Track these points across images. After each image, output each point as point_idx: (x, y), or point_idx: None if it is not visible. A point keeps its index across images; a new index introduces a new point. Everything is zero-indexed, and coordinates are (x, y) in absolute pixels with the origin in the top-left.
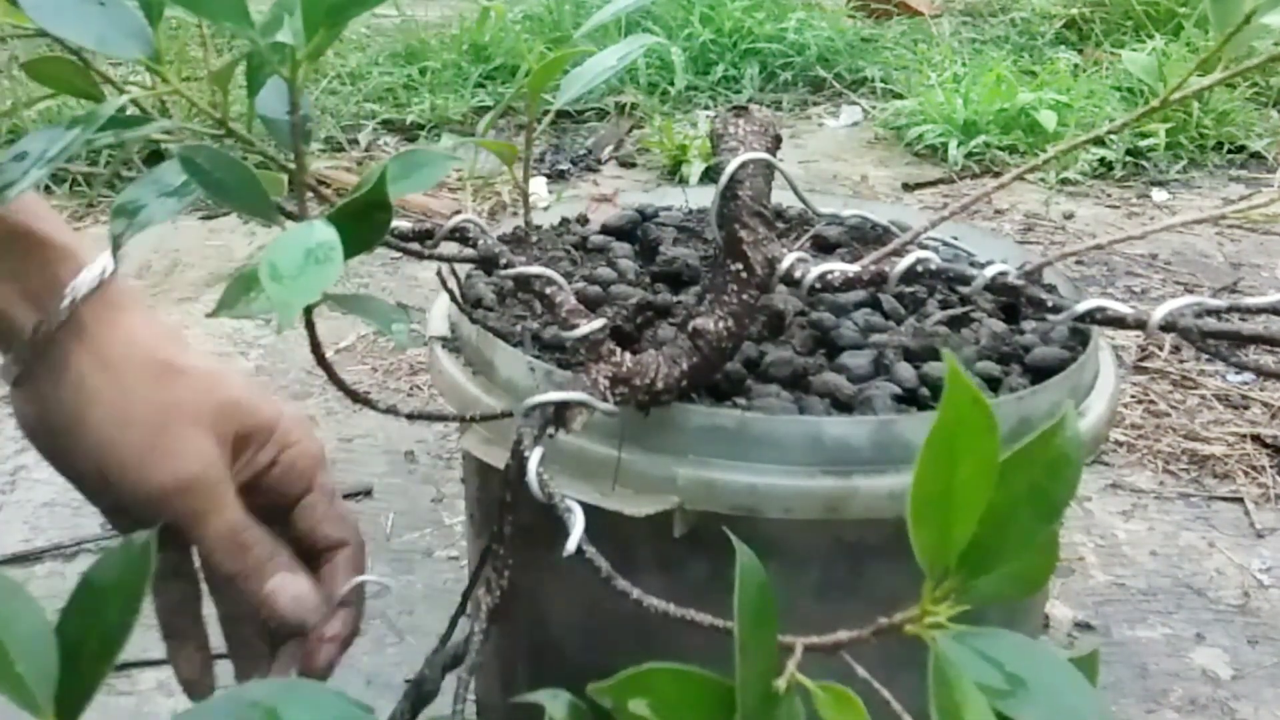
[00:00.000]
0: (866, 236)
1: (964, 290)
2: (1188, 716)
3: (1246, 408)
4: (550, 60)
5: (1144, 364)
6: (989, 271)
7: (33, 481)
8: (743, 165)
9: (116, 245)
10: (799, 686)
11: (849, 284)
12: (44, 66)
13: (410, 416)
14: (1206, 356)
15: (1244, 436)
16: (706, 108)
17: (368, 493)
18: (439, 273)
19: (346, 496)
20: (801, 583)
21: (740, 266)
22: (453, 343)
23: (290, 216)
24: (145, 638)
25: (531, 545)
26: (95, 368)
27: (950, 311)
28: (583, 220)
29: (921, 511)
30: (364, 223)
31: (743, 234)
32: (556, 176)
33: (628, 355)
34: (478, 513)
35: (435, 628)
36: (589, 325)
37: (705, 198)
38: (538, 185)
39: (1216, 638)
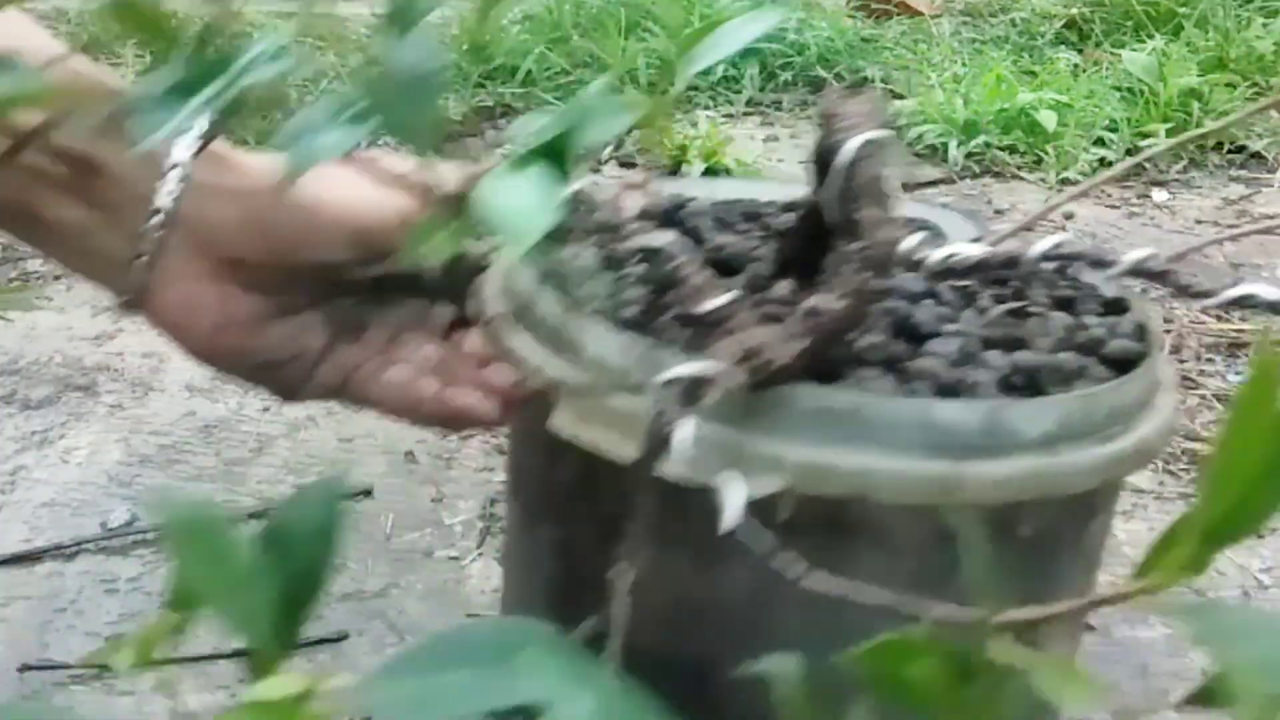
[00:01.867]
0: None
1: (1106, 274)
2: (1188, 716)
3: None
4: (698, 29)
5: None
6: (1130, 257)
7: (33, 481)
8: (862, 144)
9: (292, 178)
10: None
11: (975, 267)
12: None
13: None
14: (1206, 357)
15: None
16: (706, 108)
17: (368, 493)
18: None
19: (346, 497)
20: (900, 570)
21: (860, 246)
22: (523, 322)
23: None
24: None
25: (617, 531)
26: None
27: (1011, 304)
28: None
29: (1216, 476)
30: None
31: (864, 215)
32: None
33: (753, 332)
34: (535, 500)
35: (435, 628)
36: (719, 298)
37: (726, 191)
38: None
39: None
